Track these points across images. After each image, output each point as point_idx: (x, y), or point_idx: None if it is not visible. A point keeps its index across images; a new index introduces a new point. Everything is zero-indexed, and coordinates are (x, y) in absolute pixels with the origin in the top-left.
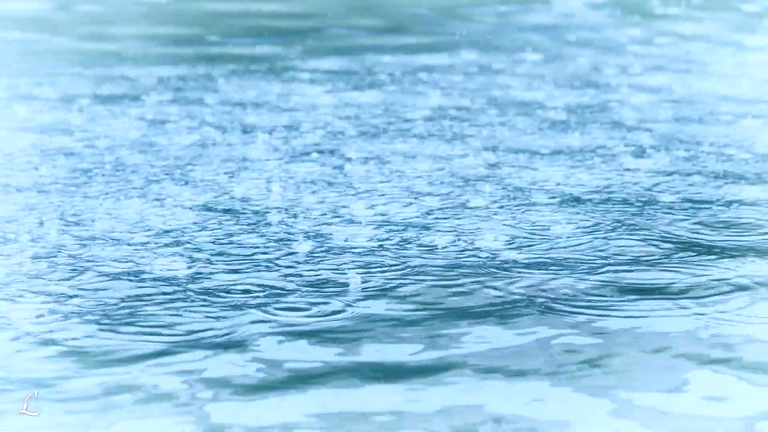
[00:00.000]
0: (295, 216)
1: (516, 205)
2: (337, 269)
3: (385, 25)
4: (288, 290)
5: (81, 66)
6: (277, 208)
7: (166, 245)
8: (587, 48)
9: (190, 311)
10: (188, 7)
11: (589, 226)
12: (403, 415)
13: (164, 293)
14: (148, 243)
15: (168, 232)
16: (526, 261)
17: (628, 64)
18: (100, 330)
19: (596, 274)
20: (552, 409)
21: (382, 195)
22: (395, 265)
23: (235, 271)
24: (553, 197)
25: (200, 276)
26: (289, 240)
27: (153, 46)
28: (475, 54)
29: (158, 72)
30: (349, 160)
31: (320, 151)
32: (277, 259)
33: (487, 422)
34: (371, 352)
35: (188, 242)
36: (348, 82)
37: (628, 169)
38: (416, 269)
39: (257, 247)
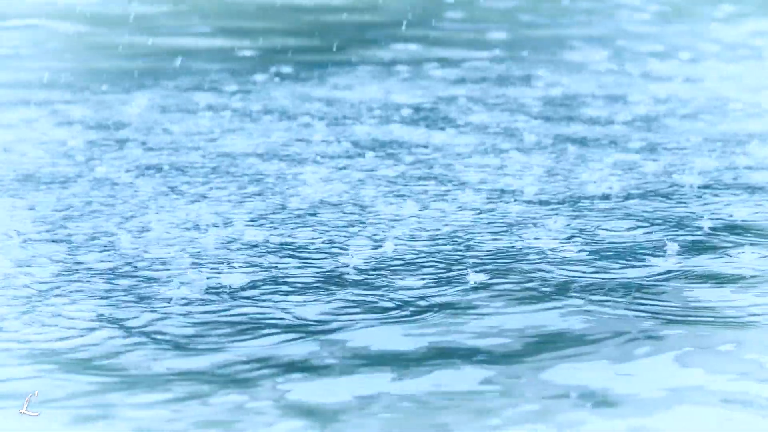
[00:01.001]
0: (360, 212)
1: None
2: (407, 261)
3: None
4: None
5: (146, 60)
6: (341, 203)
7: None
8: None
9: (261, 301)
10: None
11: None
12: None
13: (229, 283)
14: (213, 240)
15: (231, 225)
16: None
17: None
18: (177, 316)
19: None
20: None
21: (447, 195)
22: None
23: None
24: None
25: (267, 266)
26: (356, 236)
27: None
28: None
29: (222, 67)
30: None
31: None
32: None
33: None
34: (463, 339)
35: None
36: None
37: None
38: (505, 267)
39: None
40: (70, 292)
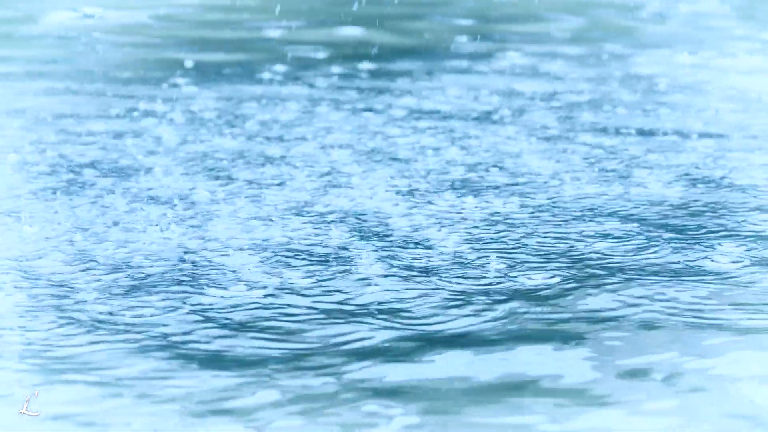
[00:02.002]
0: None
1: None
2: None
3: None
4: (416, 297)
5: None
6: (402, 215)
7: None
8: None
9: (316, 316)
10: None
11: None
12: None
13: (285, 300)
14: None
15: (289, 236)
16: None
17: None
18: (232, 332)
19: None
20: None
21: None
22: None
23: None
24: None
25: (321, 282)
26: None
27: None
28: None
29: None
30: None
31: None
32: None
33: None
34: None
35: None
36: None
37: None
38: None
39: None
40: (122, 287)
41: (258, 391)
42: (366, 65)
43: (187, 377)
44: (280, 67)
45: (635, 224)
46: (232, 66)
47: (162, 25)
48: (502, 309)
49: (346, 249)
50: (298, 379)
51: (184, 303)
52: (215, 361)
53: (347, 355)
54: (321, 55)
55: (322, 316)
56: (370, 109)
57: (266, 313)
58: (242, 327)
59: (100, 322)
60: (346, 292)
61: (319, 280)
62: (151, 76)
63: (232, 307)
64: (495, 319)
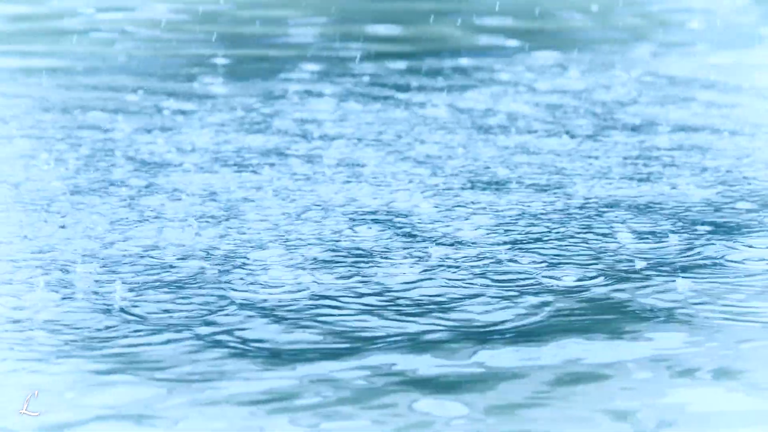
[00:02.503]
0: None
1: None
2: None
3: None
4: (473, 294)
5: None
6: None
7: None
8: None
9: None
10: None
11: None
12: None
13: (339, 295)
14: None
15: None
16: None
17: None
18: (281, 329)
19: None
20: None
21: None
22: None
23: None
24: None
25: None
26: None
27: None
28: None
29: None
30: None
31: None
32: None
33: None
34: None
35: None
36: None
37: None
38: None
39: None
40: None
41: (313, 388)
42: (397, 63)
43: (240, 375)
44: (311, 65)
45: (671, 221)
46: (264, 63)
47: (195, 21)
48: (546, 305)
49: (386, 247)
50: (351, 375)
51: (232, 301)
52: (268, 358)
53: (401, 352)
54: (352, 52)
55: (369, 312)
56: (401, 107)
57: (314, 311)
58: (291, 324)
59: (143, 319)
60: (392, 289)
61: (363, 278)
62: (183, 73)
63: (279, 304)
64: (541, 315)
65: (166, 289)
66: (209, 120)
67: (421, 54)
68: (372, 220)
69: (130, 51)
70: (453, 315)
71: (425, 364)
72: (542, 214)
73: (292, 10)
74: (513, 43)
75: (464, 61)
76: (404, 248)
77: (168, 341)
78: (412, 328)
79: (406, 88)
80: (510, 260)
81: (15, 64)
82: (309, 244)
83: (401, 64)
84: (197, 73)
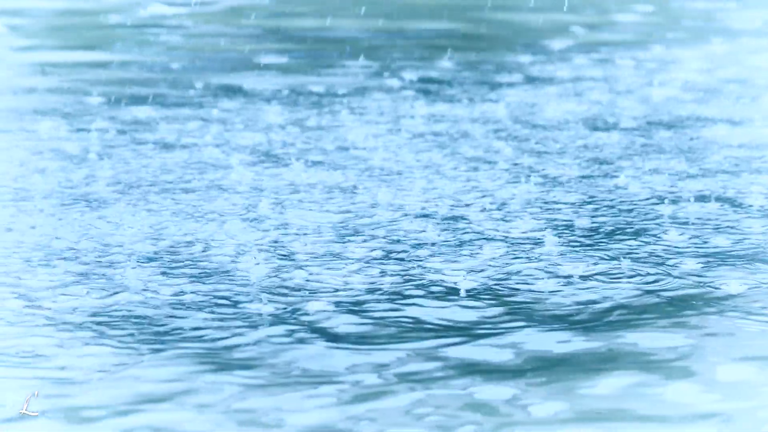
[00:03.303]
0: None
1: None
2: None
3: None
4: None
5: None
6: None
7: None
8: None
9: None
10: None
11: None
12: None
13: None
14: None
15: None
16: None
17: None
18: (359, 315)
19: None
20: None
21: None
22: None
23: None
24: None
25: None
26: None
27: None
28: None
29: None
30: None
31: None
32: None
33: None
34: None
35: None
36: None
37: None
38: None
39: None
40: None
41: (383, 377)
42: (447, 59)
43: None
44: (358, 60)
45: (721, 213)
46: (309, 57)
47: (241, 15)
48: (602, 296)
49: (440, 243)
50: (420, 370)
51: (288, 305)
52: (333, 349)
53: (464, 344)
54: (402, 47)
55: (433, 304)
56: (448, 103)
57: (376, 304)
58: (358, 315)
59: (204, 315)
60: (446, 282)
61: (421, 271)
62: (227, 67)
63: (338, 297)
64: (602, 305)
65: (222, 285)
66: (259, 116)
67: (475, 48)
68: (424, 216)
69: (180, 45)
70: (512, 300)
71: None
72: (597, 208)
73: (342, 4)
74: (568, 37)
75: (519, 57)
76: (457, 244)
77: (234, 335)
78: (472, 314)
79: (455, 84)
80: (562, 253)
81: (63, 58)
82: (364, 240)
83: (452, 59)
84: (242, 67)
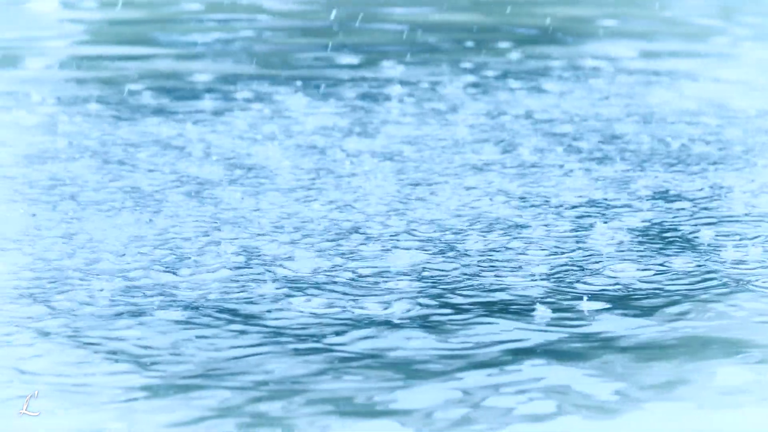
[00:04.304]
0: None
1: None
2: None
3: None
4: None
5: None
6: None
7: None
8: None
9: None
10: None
11: None
12: None
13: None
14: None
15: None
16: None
17: None
18: (387, 332)
19: None
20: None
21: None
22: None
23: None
24: None
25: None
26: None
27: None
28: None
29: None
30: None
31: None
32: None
33: None
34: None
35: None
36: None
37: None
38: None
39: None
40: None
41: (421, 390)
42: (491, 56)
43: (346, 378)
44: (404, 57)
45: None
46: (360, 53)
47: (308, 9)
48: (661, 313)
49: (485, 251)
50: (460, 377)
51: (336, 306)
52: (374, 359)
53: (509, 353)
54: (446, 43)
55: (479, 312)
56: (493, 102)
57: (421, 311)
58: (396, 326)
59: (246, 323)
60: (505, 289)
61: (469, 277)
62: (281, 61)
63: (383, 305)
64: (658, 324)
65: (270, 294)
66: (320, 109)
67: (523, 45)
68: (476, 221)
69: (246, 38)
70: (564, 317)
71: (538, 366)
72: (652, 217)
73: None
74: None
75: (562, 53)
76: (508, 249)
77: (272, 344)
78: (526, 329)
79: (499, 81)
80: (620, 257)
81: (128, 52)
82: (420, 239)
83: (497, 56)
84: (311, 62)
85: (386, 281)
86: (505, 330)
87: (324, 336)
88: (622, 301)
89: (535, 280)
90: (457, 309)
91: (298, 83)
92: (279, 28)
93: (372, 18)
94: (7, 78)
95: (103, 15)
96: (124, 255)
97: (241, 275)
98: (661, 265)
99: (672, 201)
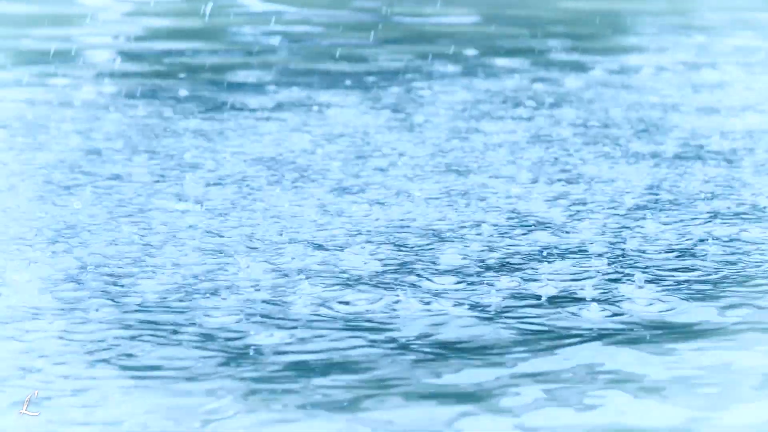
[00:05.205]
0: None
1: None
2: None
3: None
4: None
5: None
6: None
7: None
8: None
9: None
10: None
11: None
12: None
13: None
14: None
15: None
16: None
17: None
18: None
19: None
20: None
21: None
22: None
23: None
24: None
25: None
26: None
27: None
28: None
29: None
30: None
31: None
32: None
33: None
34: None
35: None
36: None
37: None
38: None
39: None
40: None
41: (482, 373)
42: (540, 66)
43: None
44: (449, 65)
45: None
46: (408, 60)
47: (344, 16)
48: (715, 299)
49: (533, 243)
50: (515, 361)
51: (392, 309)
52: (437, 346)
53: (563, 338)
54: (492, 52)
55: (531, 301)
56: (537, 109)
57: (474, 301)
58: (452, 317)
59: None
60: (555, 279)
61: (517, 267)
62: (328, 68)
63: (436, 297)
64: (714, 310)
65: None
66: (360, 108)
67: (575, 52)
68: (519, 225)
69: (284, 46)
70: (619, 307)
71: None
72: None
73: (447, 6)
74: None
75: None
76: (558, 245)
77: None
78: (579, 320)
79: (545, 91)
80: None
81: (178, 47)
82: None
83: (545, 65)
84: (341, 69)
85: (437, 275)
86: (558, 317)
87: (383, 328)
88: (676, 288)
89: (588, 269)
90: (511, 296)
91: (345, 80)
92: (326, 24)
93: (419, 14)
94: (60, 72)
95: (153, 8)
96: (165, 250)
97: (284, 274)
98: (715, 250)
99: (729, 193)
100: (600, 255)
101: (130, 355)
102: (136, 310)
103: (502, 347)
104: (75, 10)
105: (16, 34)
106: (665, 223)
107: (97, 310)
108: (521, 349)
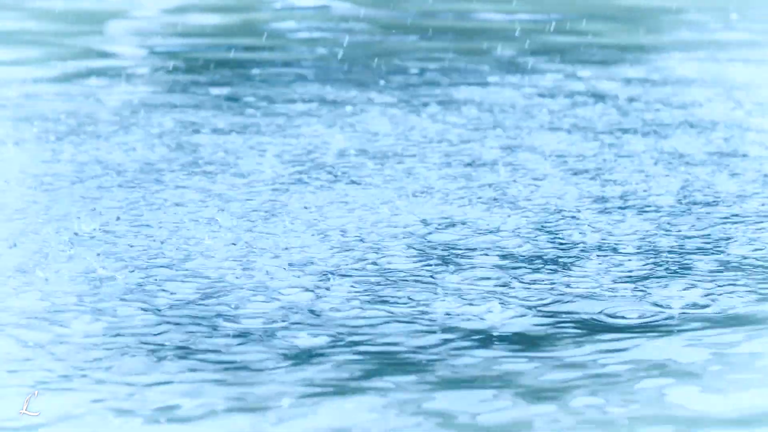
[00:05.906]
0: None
1: None
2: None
3: None
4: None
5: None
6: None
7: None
8: None
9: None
10: None
11: None
12: None
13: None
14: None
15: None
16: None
17: None
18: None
19: None
20: None
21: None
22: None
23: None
24: None
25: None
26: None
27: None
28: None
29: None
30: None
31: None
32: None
33: None
34: None
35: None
36: None
37: None
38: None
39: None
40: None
41: (522, 361)
42: (586, 67)
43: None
44: (495, 66)
45: None
46: (450, 58)
47: (385, 15)
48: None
49: (561, 255)
50: (559, 351)
51: (417, 311)
52: (479, 336)
53: (606, 329)
54: (531, 50)
55: (568, 294)
56: (578, 112)
57: (514, 295)
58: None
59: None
60: (590, 275)
61: (553, 260)
62: (369, 67)
63: (469, 290)
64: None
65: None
66: (390, 112)
67: (622, 55)
68: (545, 225)
69: (322, 46)
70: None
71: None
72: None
73: (495, 3)
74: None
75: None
76: (591, 242)
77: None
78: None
79: (589, 94)
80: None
81: (209, 57)
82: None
83: (590, 68)
84: (384, 68)
85: (472, 270)
86: (594, 309)
87: (423, 325)
88: (712, 280)
89: (625, 263)
90: (548, 291)
91: (381, 82)
92: (369, 27)
93: (464, 10)
94: (96, 69)
95: (198, 3)
96: (196, 249)
97: (320, 273)
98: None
99: (761, 191)
100: (635, 252)
101: (159, 358)
102: (168, 309)
103: (543, 339)
104: (111, 6)
105: (55, 31)
106: (699, 219)
107: (128, 310)
108: (566, 342)
